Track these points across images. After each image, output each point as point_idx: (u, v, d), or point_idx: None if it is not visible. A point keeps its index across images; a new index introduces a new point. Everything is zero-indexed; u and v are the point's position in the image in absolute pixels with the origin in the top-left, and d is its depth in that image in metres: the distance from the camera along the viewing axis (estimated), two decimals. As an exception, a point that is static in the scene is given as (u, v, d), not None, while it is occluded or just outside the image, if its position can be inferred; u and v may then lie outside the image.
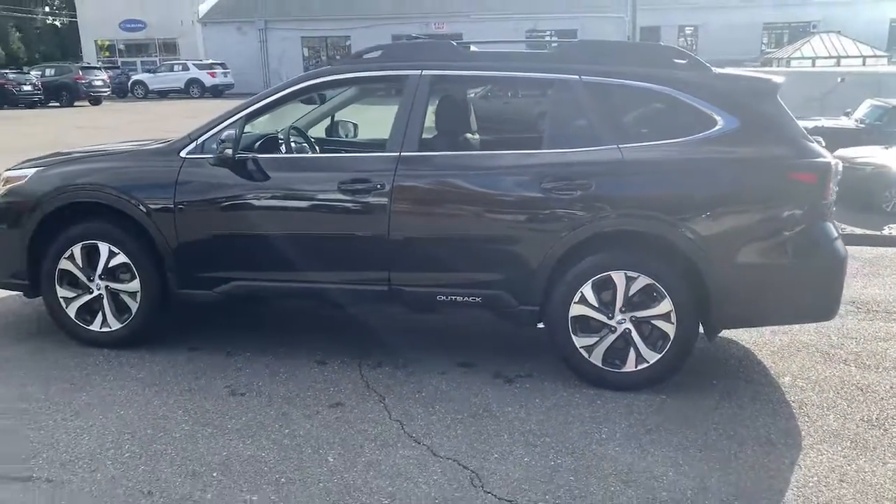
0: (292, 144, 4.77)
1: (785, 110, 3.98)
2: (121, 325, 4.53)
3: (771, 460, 3.39)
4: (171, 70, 37.45)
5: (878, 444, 3.54)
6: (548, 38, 4.89)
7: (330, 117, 5.51)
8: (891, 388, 4.16)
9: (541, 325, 4.38)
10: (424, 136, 4.24)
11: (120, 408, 3.81)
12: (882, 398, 4.03)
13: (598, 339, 4.04)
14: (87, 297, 4.54)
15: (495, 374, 4.26)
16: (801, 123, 3.99)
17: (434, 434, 3.58)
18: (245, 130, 4.35)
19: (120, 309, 4.53)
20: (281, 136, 4.81)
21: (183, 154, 4.40)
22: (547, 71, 4.21)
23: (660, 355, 3.99)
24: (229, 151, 4.15)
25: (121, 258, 4.44)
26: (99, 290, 4.51)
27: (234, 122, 4.35)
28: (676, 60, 4.12)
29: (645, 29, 44.02)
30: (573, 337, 4.06)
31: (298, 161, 4.52)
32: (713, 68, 4.18)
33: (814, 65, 31.10)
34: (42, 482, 3.15)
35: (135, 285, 4.46)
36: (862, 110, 18.85)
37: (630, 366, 4.03)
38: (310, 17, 42.52)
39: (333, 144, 5.42)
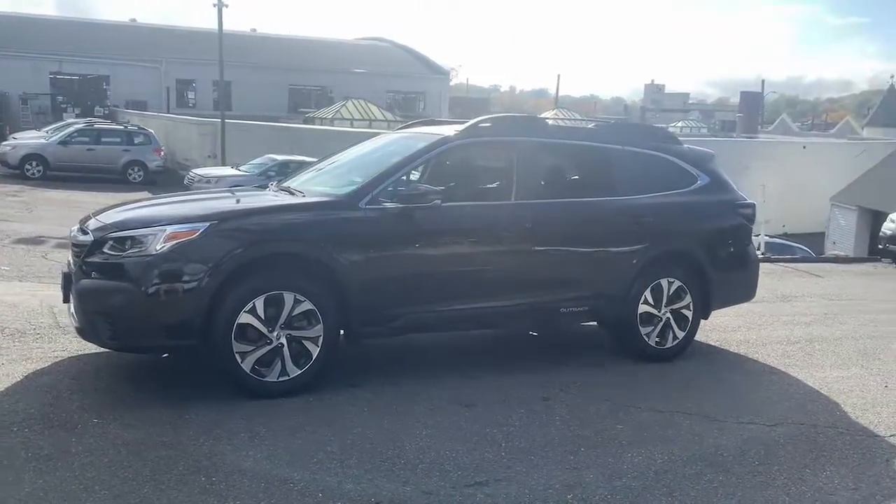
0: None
1: (722, 170, 6.41)
2: (301, 372, 4.63)
3: (820, 378, 5.72)
4: None
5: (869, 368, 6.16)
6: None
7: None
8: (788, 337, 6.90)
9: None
10: (538, 187, 5.50)
11: (423, 429, 4.24)
12: (811, 342, 6.72)
13: (653, 327, 5.86)
14: (265, 349, 4.53)
15: (597, 365, 5.72)
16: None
17: (640, 401, 4.96)
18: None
19: (296, 356, 4.63)
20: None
21: (362, 205, 4.82)
22: (601, 142, 5.91)
23: (684, 333, 6.00)
24: (438, 201, 4.83)
25: (306, 305, 4.60)
26: (279, 339, 4.56)
27: (397, 177, 4.99)
28: (667, 137, 6.24)
29: (181, 81, 44.58)
30: (640, 328, 5.80)
31: (471, 209, 5.25)
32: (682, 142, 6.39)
33: (352, 125, 36.08)
34: (472, 487, 3.68)
35: (318, 330, 4.65)
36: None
37: (670, 342, 5.94)
38: None
39: None
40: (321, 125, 35.11)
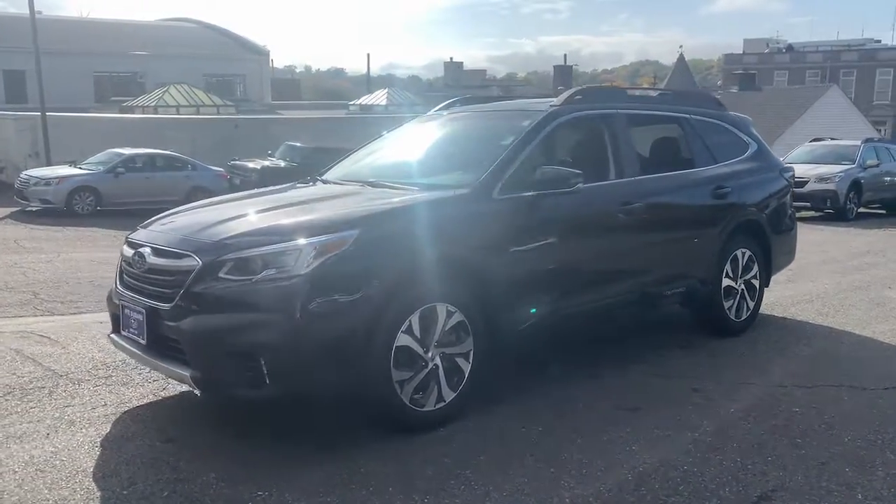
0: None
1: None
2: (455, 395, 3.94)
3: (882, 333, 5.83)
4: None
5: None
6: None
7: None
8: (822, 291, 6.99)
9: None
10: (635, 162, 5.07)
11: (626, 445, 3.73)
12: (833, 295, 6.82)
13: (733, 301, 5.68)
14: (423, 373, 3.79)
15: (686, 346, 5.44)
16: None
17: (777, 379, 4.75)
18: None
19: (449, 377, 3.93)
20: None
21: (496, 195, 4.16)
22: (674, 111, 5.58)
23: (754, 302, 5.89)
24: (580, 184, 4.26)
25: (457, 317, 3.90)
26: (433, 360, 3.84)
27: (523, 161, 4.35)
28: (716, 103, 6.05)
29: (-38, 71, 38.88)
30: (724, 301, 5.60)
31: (603, 190, 4.73)
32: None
33: (179, 112, 33.39)
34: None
35: (468, 344, 3.98)
36: (282, 151, 22.70)
37: (744, 314, 5.80)
38: None
39: None
40: (143, 114, 32.11)
